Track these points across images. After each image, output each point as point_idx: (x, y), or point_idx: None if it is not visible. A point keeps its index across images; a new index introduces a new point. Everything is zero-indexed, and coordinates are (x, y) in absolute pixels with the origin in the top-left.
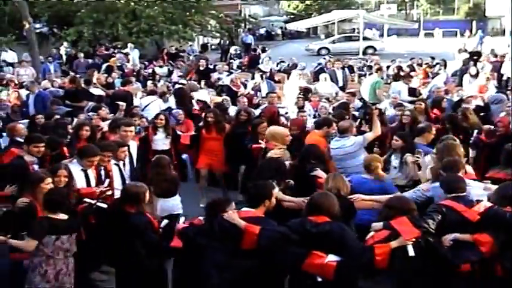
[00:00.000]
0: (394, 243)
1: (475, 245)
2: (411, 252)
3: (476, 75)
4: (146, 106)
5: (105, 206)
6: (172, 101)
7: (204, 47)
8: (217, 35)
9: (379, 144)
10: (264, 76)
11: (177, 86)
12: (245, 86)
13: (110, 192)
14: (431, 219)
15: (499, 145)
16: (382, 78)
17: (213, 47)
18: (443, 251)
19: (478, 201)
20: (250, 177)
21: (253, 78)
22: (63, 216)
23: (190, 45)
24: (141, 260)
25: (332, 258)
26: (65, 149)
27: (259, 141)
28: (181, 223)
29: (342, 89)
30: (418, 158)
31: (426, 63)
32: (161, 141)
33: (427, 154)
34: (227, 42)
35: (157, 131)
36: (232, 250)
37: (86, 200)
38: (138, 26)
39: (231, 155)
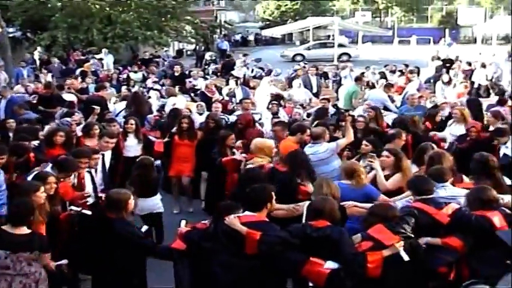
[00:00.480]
0: (386, 252)
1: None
2: (406, 257)
3: (448, 82)
4: (120, 112)
5: (89, 213)
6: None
7: (179, 53)
8: (193, 40)
9: (350, 149)
10: (238, 82)
11: (151, 91)
12: (220, 92)
13: (91, 200)
14: (406, 224)
15: (470, 151)
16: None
17: (188, 52)
18: (424, 255)
19: (446, 203)
20: (233, 192)
21: (227, 84)
22: (24, 231)
23: (166, 51)
24: (122, 266)
25: (330, 265)
26: (32, 155)
27: (228, 153)
28: (183, 226)
29: (316, 95)
30: (371, 161)
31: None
32: (133, 148)
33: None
34: (202, 48)
35: (127, 136)
36: (236, 253)
37: (72, 208)
38: (113, 31)
39: (198, 161)
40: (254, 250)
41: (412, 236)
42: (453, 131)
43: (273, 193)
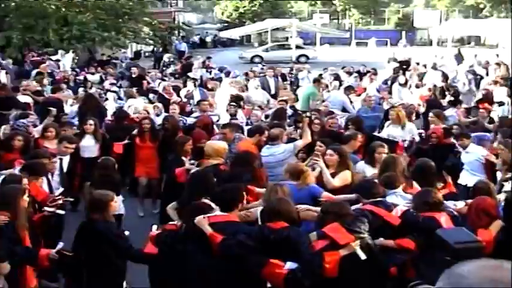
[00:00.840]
0: (343, 251)
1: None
2: (363, 256)
3: (405, 84)
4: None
5: (63, 212)
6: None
7: (137, 54)
8: (151, 42)
9: (306, 150)
10: (196, 84)
11: (109, 93)
12: (178, 94)
13: (60, 201)
14: (362, 223)
15: (429, 155)
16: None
17: (146, 54)
18: (379, 255)
19: (395, 205)
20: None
21: (185, 85)
22: None
23: (123, 52)
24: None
25: (290, 266)
26: None
27: (183, 159)
28: (154, 231)
29: (274, 96)
30: (316, 160)
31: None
32: (89, 148)
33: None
34: (160, 49)
35: (83, 137)
36: (210, 254)
37: (46, 208)
38: (70, 32)
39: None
40: (217, 252)
41: (368, 235)
42: (390, 131)
43: (244, 193)
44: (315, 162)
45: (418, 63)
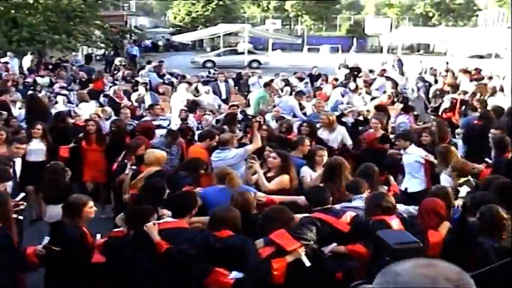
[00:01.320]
0: (289, 257)
1: (349, 256)
2: (307, 262)
3: (355, 90)
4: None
5: (21, 218)
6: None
7: (89, 58)
8: (102, 45)
9: (258, 155)
10: (147, 88)
11: (59, 96)
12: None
13: (22, 207)
14: (309, 230)
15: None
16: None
17: (97, 57)
18: (325, 262)
19: (344, 211)
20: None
21: (135, 89)
22: None
23: (74, 56)
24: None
25: (235, 275)
26: None
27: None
28: (99, 239)
29: (226, 101)
30: (252, 163)
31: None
32: (36, 152)
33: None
34: (112, 53)
35: (30, 141)
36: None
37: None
38: (19, 34)
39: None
40: (162, 260)
41: (313, 242)
42: (322, 135)
43: (198, 200)
44: (251, 165)
45: (371, 71)
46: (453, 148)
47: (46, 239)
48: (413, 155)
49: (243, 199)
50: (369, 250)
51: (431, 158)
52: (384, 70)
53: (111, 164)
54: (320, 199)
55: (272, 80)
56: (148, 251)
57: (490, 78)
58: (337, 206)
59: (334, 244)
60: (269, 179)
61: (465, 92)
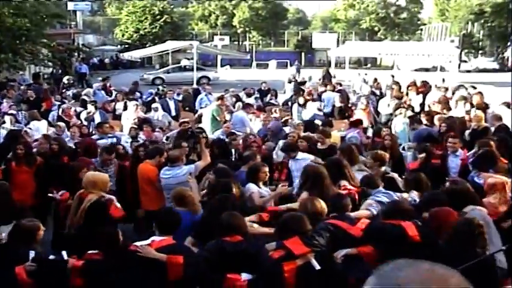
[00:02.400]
0: (299, 261)
1: (363, 261)
2: (317, 266)
3: (304, 105)
4: None
5: None
6: (3, 131)
7: (36, 76)
8: (50, 64)
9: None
10: (97, 106)
11: (6, 116)
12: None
13: None
14: (320, 236)
15: None
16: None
17: (45, 76)
18: (337, 266)
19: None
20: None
21: (86, 108)
22: None
23: (21, 74)
24: None
25: (245, 277)
26: None
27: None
28: (66, 258)
29: (175, 118)
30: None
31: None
32: None
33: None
34: (60, 71)
35: None
36: (157, 281)
37: None
38: None
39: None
40: (179, 274)
41: (325, 248)
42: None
43: (180, 219)
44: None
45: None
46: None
47: (32, 253)
48: (303, 160)
49: (315, 206)
50: (378, 252)
51: (319, 160)
52: (339, 84)
53: (45, 185)
54: (339, 206)
55: (222, 96)
56: (138, 272)
57: (446, 89)
58: (370, 201)
59: (347, 250)
60: None
61: (411, 106)
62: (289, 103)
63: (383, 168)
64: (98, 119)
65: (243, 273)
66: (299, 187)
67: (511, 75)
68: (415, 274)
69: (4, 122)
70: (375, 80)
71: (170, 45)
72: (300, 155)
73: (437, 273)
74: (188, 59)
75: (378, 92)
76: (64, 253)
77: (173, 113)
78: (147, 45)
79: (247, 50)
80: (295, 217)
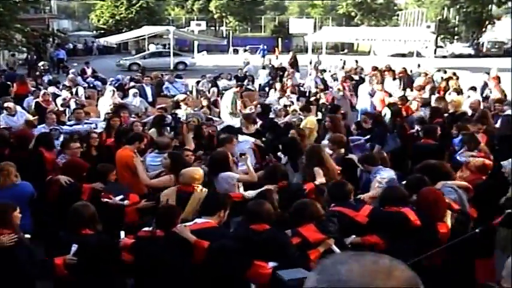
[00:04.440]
0: (321, 247)
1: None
2: (337, 250)
3: (281, 90)
4: None
5: None
6: None
7: (12, 62)
8: (24, 49)
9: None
10: (72, 92)
11: None
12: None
13: None
14: (332, 224)
15: None
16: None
17: (20, 62)
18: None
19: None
20: None
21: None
22: None
23: None
24: None
25: (271, 264)
26: None
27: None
28: (123, 237)
29: (152, 104)
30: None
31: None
32: None
33: None
34: (34, 57)
35: None
36: (187, 262)
37: None
38: None
39: None
40: (201, 259)
41: (337, 235)
42: None
43: (228, 202)
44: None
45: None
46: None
47: (74, 247)
48: (245, 142)
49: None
50: (385, 241)
51: (258, 142)
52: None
53: None
54: (341, 194)
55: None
56: (179, 252)
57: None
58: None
59: (353, 236)
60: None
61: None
62: (266, 88)
63: (342, 151)
64: (73, 105)
65: (270, 262)
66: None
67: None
68: (358, 267)
69: None
70: (356, 63)
71: (146, 30)
72: (241, 137)
73: (382, 265)
74: (155, 44)
75: (357, 77)
76: (122, 233)
77: (150, 99)
78: (123, 31)
79: (224, 35)
80: (307, 203)
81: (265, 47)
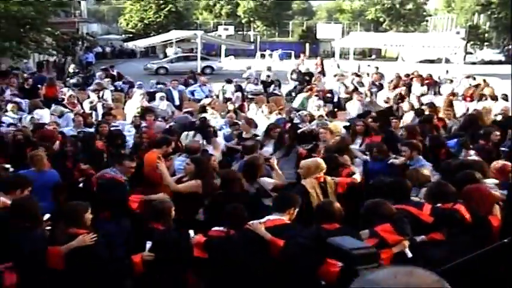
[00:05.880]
0: (395, 249)
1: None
2: (409, 254)
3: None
4: None
5: None
6: (5, 119)
7: (41, 65)
8: (54, 52)
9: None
10: (99, 95)
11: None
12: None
13: None
14: (405, 224)
15: None
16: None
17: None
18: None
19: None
20: None
21: (89, 97)
22: None
23: (25, 63)
24: None
25: (341, 264)
26: None
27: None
28: (193, 236)
29: (179, 108)
30: (158, 163)
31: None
32: None
33: None
34: (63, 60)
35: None
36: (262, 258)
37: None
38: None
39: None
40: (278, 256)
41: (411, 235)
42: None
43: (299, 200)
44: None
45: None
46: None
47: (149, 243)
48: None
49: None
50: (448, 238)
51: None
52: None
53: None
54: (402, 191)
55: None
56: (254, 249)
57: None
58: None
59: (423, 236)
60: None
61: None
62: (293, 93)
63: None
64: (100, 108)
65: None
66: None
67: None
68: (400, 281)
69: (6, 111)
70: (376, 69)
71: (174, 34)
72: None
73: (422, 278)
74: (179, 48)
75: (377, 84)
76: (191, 231)
77: (176, 103)
78: (151, 35)
79: (252, 40)
80: (380, 202)
81: (283, 51)
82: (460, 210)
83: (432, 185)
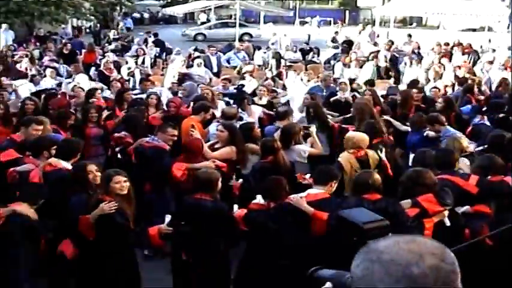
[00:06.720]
0: (435, 218)
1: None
2: (448, 223)
3: (348, 64)
4: None
5: None
6: (44, 84)
7: (78, 30)
8: (92, 18)
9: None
10: (137, 62)
11: (47, 69)
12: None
13: None
14: (447, 195)
15: None
16: None
17: (87, 30)
18: (460, 223)
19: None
20: None
21: (127, 62)
22: None
23: (63, 28)
24: None
25: None
26: None
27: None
28: (236, 210)
29: (217, 75)
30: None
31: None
32: None
33: None
34: (98, 25)
35: None
36: (303, 233)
37: None
38: (7, 6)
39: None
40: (322, 230)
41: (452, 206)
42: None
43: (339, 174)
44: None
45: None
46: None
47: (168, 217)
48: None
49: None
50: (492, 210)
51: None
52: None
53: None
54: (448, 162)
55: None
56: (293, 222)
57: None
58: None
59: (467, 206)
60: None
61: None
62: (331, 61)
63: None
64: (138, 74)
65: None
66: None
67: None
68: (403, 248)
69: (45, 76)
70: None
71: (213, 1)
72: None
73: (425, 244)
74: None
75: (416, 52)
76: (235, 206)
77: (215, 70)
78: (190, 1)
79: (291, 7)
80: (422, 171)
81: (321, 19)
82: (506, 181)
83: (481, 158)
